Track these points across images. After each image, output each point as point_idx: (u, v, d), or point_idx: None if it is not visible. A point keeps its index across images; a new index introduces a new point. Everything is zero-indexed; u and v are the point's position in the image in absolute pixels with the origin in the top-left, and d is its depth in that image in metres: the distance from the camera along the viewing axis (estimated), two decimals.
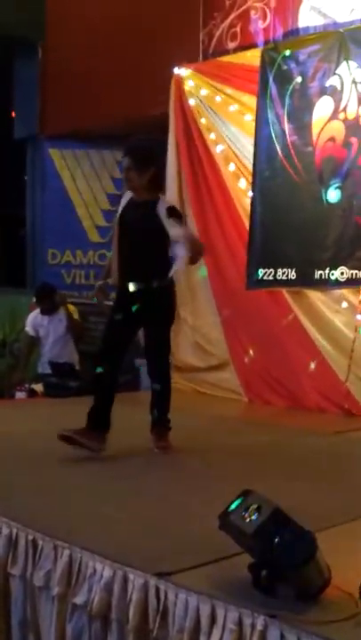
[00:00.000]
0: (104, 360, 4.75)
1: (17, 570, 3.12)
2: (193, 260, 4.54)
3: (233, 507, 2.57)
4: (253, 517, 2.49)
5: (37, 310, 8.05)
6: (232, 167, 7.21)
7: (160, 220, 4.53)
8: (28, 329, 8.04)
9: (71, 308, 8.02)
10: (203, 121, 7.43)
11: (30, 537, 3.12)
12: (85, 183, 9.71)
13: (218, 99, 7.30)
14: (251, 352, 7.05)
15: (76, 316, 8.01)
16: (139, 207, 4.64)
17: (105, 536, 3.09)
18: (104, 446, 4.54)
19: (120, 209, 4.81)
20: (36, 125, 9.74)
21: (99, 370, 4.71)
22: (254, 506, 2.52)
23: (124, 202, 4.81)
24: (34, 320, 8.02)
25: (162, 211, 4.55)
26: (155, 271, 4.57)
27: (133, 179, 4.59)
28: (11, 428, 5.52)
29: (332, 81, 6.39)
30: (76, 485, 3.93)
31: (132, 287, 4.63)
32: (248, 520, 2.49)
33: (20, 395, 7.67)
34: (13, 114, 10.41)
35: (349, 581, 2.49)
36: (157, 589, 2.63)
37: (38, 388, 7.68)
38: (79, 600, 2.84)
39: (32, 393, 7.62)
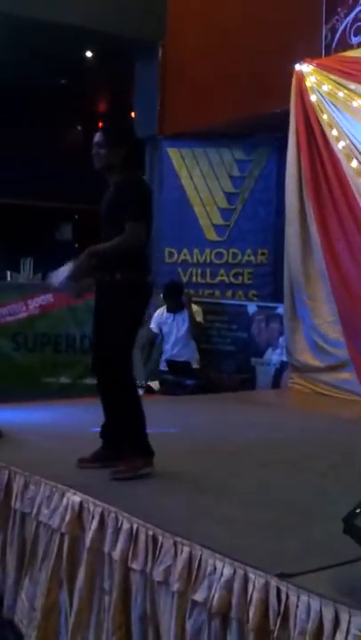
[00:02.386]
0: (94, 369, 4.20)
1: (137, 564, 3.14)
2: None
3: (358, 510, 2.50)
4: None
5: (163, 308, 8.15)
6: (355, 164, 7.06)
7: (124, 200, 4.00)
8: (153, 326, 8.16)
9: (195, 307, 8.06)
10: (324, 117, 7.31)
11: (150, 532, 3.13)
12: (203, 182, 9.73)
13: (340, 94, 7.16)
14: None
15: (199, 317, 8.02)
16: (110, 189, 4.14)
17: (225, 534, 3.08)
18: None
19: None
20: (155, 125, 9.82)
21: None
22: None
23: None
24: (159, 317, 8.14)
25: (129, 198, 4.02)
26: (121, 261, 3.96)
27: (104, 156, 4.10)
28: None
29: None
30: (195, 483, 3.93)
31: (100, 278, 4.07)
32: None
33: None
34: (133, 114, 10.55)
35: None
36: (279, 590, 2.59)
37: (155, 385, 7.75)
38: (199, 597, 2.83)
39: (149, 390, 7.69)
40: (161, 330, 8.09)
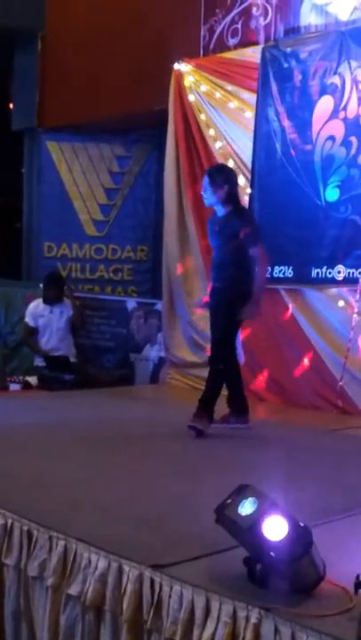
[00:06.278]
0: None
1: (11, 560, 3.12)
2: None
3: (229, 501, 2.58)
4: (249, 512, 2.50)
5: (39, 300, 8.06)
6: (231, 164, 7.20)
7: (233, 229, 5.28)
8: (28, 319, 8.04)
9: (76, 303, 8.04)
10: (202, 117, 7.43)
11: (25, 527, 3.12)
12: (83, 177, 9.70)
13: (218, 95, 7.30)
14: (246, 349, 7.04)
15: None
16: (218, 220, 5.41)
17: (101, 527, 3.09)
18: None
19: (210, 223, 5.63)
20: (34, 117, 9.70)
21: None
22: (250, 500, 2.52)
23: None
24: (34, 310, 8.03)
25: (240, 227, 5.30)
26: (227, 272, 5.32)
27: (210, 195, 5.35)
28: (6, 419, 5.52)
29: (333, 80, 6.40)
30: (72, 477, 3.92)
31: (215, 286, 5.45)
32: (244, 514, 2.50)
33: (14, 387, 7.67)
34: (11, 105, 10.39)
35: (344, 576, 2.51)
36: (152, 581, 2.64)
37: (33, 380, 7.68)
38: (73, 591, 2.85)
39: (26, 385, 7.62)
40: (37, 323, 7.99)
